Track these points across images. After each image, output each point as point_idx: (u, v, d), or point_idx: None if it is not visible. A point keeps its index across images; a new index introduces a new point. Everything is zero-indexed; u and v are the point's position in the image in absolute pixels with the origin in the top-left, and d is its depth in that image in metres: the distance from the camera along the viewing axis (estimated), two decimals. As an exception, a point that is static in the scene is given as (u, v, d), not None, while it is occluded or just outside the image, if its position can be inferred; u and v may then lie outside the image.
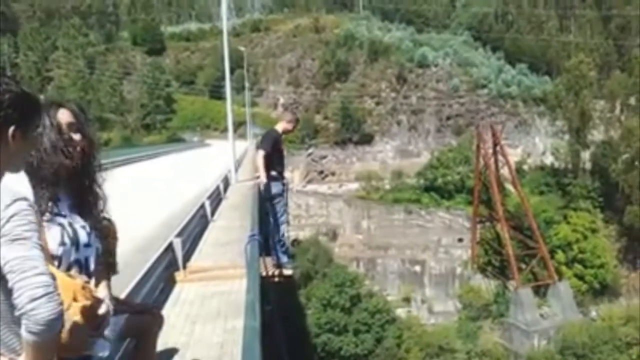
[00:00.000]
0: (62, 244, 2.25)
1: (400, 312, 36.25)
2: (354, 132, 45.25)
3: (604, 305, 37.23)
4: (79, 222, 2.39)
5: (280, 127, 9.16)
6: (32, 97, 1.79)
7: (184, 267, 9.35)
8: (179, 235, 9.65)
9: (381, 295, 35.93)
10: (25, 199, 1.69)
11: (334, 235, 39.20)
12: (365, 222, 39.90)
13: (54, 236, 2.26)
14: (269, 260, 10.60)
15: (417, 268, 38.71)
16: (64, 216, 2.33)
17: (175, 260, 9.24)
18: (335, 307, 32.44)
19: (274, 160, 9.06)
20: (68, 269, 2.23)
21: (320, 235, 38.56)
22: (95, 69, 54.90)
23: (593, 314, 36.85)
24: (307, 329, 32.12)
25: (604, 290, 37.66)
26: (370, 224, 39.72)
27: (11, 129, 1.68)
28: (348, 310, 32.53)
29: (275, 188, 9.33)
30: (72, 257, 2.31)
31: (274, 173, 9.11)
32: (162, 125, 51.93)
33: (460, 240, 40.09)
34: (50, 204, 2.31)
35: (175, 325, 7.37)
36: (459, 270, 39.14)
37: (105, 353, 4.26)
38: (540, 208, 39.07)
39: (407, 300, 37.48)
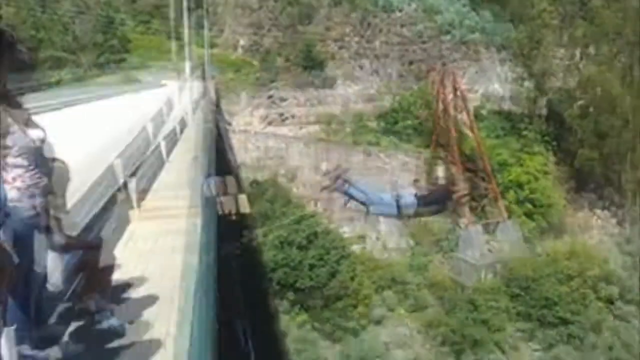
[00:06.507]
0: None
1: (356, 248, 37.44)
2: (316, 76, 45.03)
3: (550, 241, 39.08)
4: None
5: None
6: None
7: (139, 206, 9.65)
8: (133, 174, 9.89)
9: (337, 232, 36.96)
10: None
11: (292, 177, 39.59)
12: (325, 164, 40.34)
13: None
14: (226, 200, 11.02)
15: (374, 207, 39.66)
16: None
17: (129, 199, 9.51)
18: (292, 244, 33.31)
19: None
20: None
21: (279, 176, 38.94)
22: (47, 7, 52.44)
23: (538, 249, 38.73)
24: (263, 265, 33.11)
25: (550, 228, 39.39)
26: (330, 166, 40.22)
27: None
28: (304, 247, 33.47)
29: None
30: None
31: None
32: (116, 65, 50.48)
33: (417, 181, 41.10)
34: None
35: (130, 262, 7.72)
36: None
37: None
38: (496, 151, 40.26)
39: (362, 237, 38.56)
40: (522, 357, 34.27)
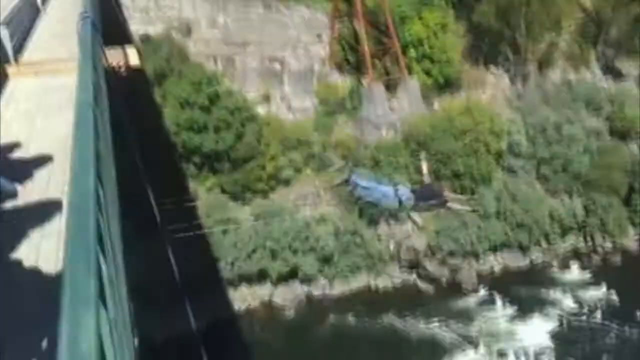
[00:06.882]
0: None
1: (260, 109, 36.93)
2: None
3: (446, 98, 40.38)
4: None
5: None
6: None
7: (16, 60, 8.55)
8: (5, 24, 8.62)
9: (240, 93, 35.97)
10: None
11: (188, 31, 36.93)
12: (222, 16, 37.79)
13: None
14: (111, 52, 9.98)
15: (277, 65, 38.63)
16: None
17: (4, 52, 8.37)
18: (193, 105, 31.93)
19: None
20: None
21: (173, 30, 36.29)
22: None
23: (435, 106, 40.16)
24: (164, 127, 32.01)
25: (447, 85, 40.33)
26: (227, 19, 37.80)
27: None
28: (207, 108, 32.24)
29: None
30: None
31: None
32: None
33: (319, 36, 40.12)
34: None
35: (13, 121, 6.95)
36: (317, 67, 39.70)
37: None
38: (396, 4, 39.56)
39: (266, 97, 37.93)
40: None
